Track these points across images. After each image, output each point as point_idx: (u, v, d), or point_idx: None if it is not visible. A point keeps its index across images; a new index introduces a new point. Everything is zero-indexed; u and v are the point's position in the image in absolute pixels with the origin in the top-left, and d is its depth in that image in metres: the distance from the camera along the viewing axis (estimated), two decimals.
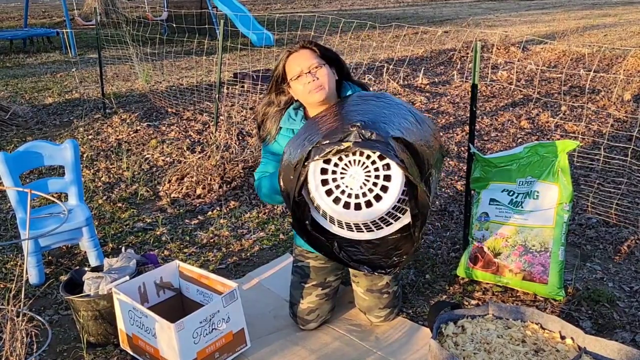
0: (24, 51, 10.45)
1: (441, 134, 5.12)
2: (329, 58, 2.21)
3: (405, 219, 1.92)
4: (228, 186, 3.96)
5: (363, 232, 1.93)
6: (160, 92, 6.60)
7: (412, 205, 1.86)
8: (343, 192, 1.82)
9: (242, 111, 5.89)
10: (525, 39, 9.98)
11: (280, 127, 2.28)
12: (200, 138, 5.11)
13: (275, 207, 3.69)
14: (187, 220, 3.55)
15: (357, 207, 1.82)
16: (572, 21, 14.46)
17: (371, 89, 2.44)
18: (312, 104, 2.19)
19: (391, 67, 7.52)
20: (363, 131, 1.74)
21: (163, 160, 4.61)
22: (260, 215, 3.60)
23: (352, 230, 1.94)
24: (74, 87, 7.35)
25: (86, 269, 2.47)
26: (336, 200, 1.83)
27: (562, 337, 1.96)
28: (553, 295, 2.57)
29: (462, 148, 4.75)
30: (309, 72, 2.12)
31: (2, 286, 2.80)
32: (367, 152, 1.78)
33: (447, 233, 3.28)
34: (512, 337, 1.96)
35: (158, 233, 3.37)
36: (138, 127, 5.45)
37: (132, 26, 7.38)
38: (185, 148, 4.79)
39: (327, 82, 2.14)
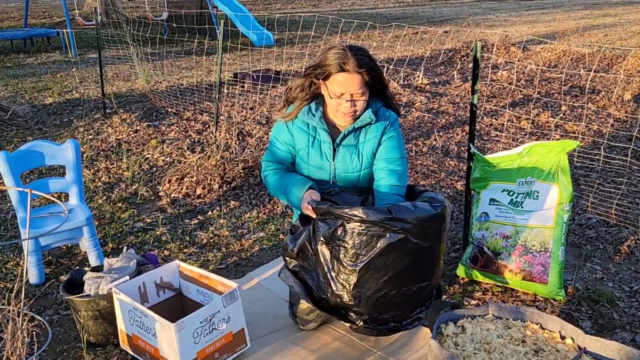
0: (24, 51, 10.45)
1: (441, 133, 5.13)
2: (373, 82, 2.21)
3: None
4: (228, 186, 3.96)
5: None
6: (161, 92, 6.60)
7: None
8: None
9: (242, 111, 5.89)
10: (525, 39, 9.98)
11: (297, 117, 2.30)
12: (200, 138, 5.11)
13: (276, 207, 3.69)
14: (187, 220, 3.55)
15: None
16: (572, 21, 14.47)
17: None
18: (335, 119, 2.26)
19: (391, 67, 7.52)
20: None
21: (163, 160, 4.61)
22: (260, 215, 3.60)
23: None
24: (74, 87, 7.35)
25: (86, 269, 2.47)
26: None
27: (562, 337, 1.96)
28: (553, 295, 2.57)
29: (462, 148, 4.75)
30: (350, 100, 2.16)
31: (2, 286, 2.81)
32: None
33: None
34: (512, 337, 1.96)
35: (158, 233, 3.37)
36: (138, 127, 5.45)
37: (132, 26, 7.38)
38: (185, 148, 4.79)
39: (360, 112, 2.21)
